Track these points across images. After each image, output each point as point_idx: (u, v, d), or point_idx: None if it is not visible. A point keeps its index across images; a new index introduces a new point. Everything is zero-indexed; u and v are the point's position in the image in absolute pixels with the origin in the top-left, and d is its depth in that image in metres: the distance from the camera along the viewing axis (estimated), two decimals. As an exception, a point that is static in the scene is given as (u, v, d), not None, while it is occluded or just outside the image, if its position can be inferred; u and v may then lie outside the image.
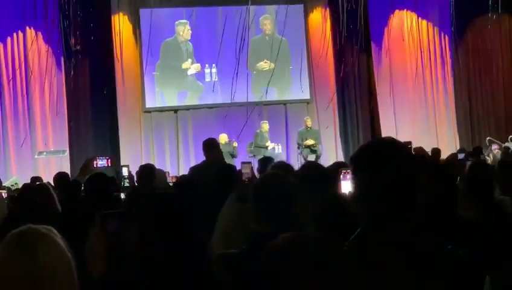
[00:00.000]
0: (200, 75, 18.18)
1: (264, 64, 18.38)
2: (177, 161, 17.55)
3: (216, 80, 18.04)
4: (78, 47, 16.56)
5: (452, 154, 12.68)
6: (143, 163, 14.45)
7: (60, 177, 8.16)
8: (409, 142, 13.78)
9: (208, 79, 18.08)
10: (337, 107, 18.77)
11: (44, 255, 2.00)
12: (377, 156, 2.10)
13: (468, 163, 7.62)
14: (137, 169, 8.52)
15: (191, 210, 2.74)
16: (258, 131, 16.89)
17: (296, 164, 15.85)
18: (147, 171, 7.79)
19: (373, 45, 18.84)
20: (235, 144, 16.40)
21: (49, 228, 2.10)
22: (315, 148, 16.87)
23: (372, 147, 2.20)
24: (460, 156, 11.69)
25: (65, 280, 2.02)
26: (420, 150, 12.22)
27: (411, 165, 2.08)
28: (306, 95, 18.79)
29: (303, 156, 16.86)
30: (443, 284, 2.02)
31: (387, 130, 17.93)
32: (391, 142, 2.18)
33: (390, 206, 2.03)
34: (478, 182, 4.92)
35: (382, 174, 2.04)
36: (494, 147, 15.52)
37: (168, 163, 17.16)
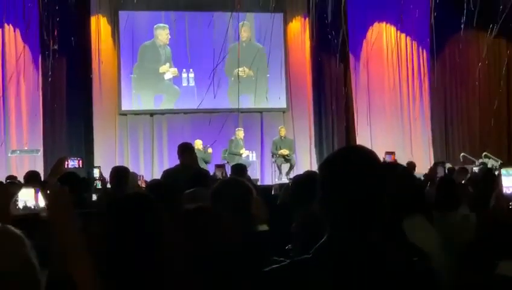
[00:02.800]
0: (177, 80, 18.21)
1: (242, 72, 18.27)
2: (152, 165, 17.56)
3: (193, 84, 18.11)
4: (56, 46, 16.53)
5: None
6: (117, 165, 14.68)
7: (30, 175, 8.15)
8: (393, 153, 14.04)
9: (184, 84, 18.14)
10: (313, 117, 18.83)
11: None
12: (344, 163, 2.06)
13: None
14: (110, 171, 8.49)
15: (154, 211, 2.80)
16: (233, 138, 16.83)
17: (270, 172, 16.79)
18: (121, 173, 7.71)
19: (351, 56, 18.91)
20: (210, 150, 16.42)
21: (5, 226, 2.01)
22: (289, 158, 16.83)
23: (340, 154, 2.15)
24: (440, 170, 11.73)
25: (17, 280, 1.88)
26: (410, 165, 12.33)
27: (378, 174, 2.05)
28: (282, 104, 18.82)
29: (277, 165, 16.94)
30: None
31: (362, 141, 17.93)
32: (359, 149, 2.14)
33: (351, 215, 1.99)
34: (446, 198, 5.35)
35: (348, 181, 2.00)
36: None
37: (142, 166, 17.17)
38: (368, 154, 2.09)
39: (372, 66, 19.05)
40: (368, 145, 14.97)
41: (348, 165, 2.04)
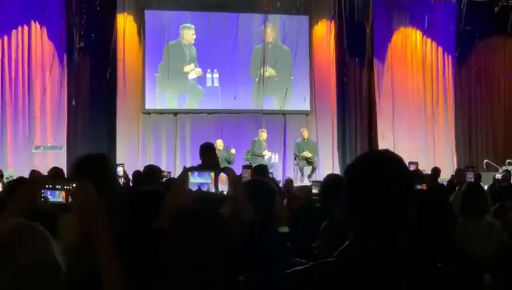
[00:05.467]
0: (201, 80, 18.16)
1: (266, 73, 18.24)
2: (174, 164, 17.38)
3: (217, 85, 18.07)
4: (81, 44, 16.61)
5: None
6: (139, 163, 15.33)
7: (55, 172, 8.04)
8: (416, 163, 13.88)
9: (209, 84, 18.09)
10: (337, 120, 18.76)
11: (23, 251, 1.89)
12: (370, 168, 2.01)
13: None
14: (133, 169, 8.61)
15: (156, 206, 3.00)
16: (255, 139, 16.72)
17: (292, 174, 16.37)
18: (151, 172, 7.74)
19: (376, 60, 18.85)
20: (233, 151, 16.26)
21: (34, 223, 2.01)
22: (311, 160, 16.76)
23: (367, 158, 2.11)
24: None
25: (42, 278, 1.89)
26: (435, 170, 12.28)
27: (404, 179, 2.00)
28: (306, 106, 18.80)
29: (299, 167, 16.86)
30: None
31: (384, 145, 17.71)
32: (386, 154, 2.09)
33: (379, 220, 1.95)
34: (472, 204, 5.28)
35: (374, 186, 1.96)
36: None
37: (164, 165, 16.65)
38: (392, 159, 2.04)
39: (396, 70, 18.97)
40: (391, 150, 15.49)
41: (370, 170, 2.00)
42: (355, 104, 18.99)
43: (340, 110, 18.90)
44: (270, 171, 11.91)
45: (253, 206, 3.43)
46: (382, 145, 17.97)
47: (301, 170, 16.75)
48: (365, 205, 1.94)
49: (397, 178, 1.98)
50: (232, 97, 17.71)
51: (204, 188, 3.46)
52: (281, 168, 17.88)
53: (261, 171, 8.69)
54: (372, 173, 1.99)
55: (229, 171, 3.48)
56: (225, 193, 3.44)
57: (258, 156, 16.37)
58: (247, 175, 7.74)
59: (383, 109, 18.80)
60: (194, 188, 3.44)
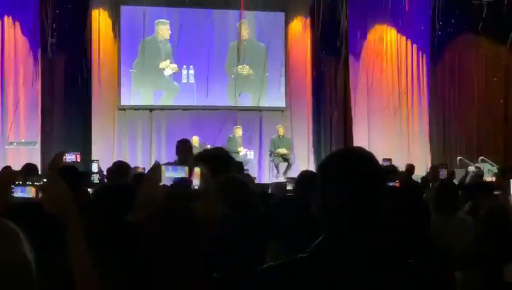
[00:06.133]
0: (177, 76, 18.08)
1: (241, 70, 18.25)
2: (149, 160, 17.18)
3: (193, 81, 18.00)
4: (55, 39, 16.51)
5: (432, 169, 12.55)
6: (114, 160, 13.89)
7: (28, 168, 8.00)
8: (389, 159, 13.84)
9: (184, 80, 18.01)
10: (312, 117, 18.75)
11: None
12: (344, 165, 2.03)
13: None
14: (108, 166, 8.58)
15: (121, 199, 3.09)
16: (231, 136, 16.74)
17: (267, 171, 16.75)
18: (121, 167, 7.82)
19: (351, 57, 18.80)
20: (208, 147, 14.88)
21: (4, 220, 1.89)
22: (287, 157, 16.77)
23: (340, 155, 2.12)
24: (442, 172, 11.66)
25: (12, 278, 1.77)
26: (409, 167, 12.37)
27: (377, 176, 2.02)
28: (281, 103, 18.75)
29: (275, 164, 16.90)
30: None
31: (360, 142, 17.83)
32: (359, 151, 2.11)
33: (353, 216, 1.96)
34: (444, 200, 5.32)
35: (348, 182, 1.97)
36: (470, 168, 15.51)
37: (140, 162, 16.83)
38: (365, 156, 2.06)
39: (371, 67, 18.93)
40: (366, 147, 15.52)
41: (343, 166, 2.01)
42: (331, 101, 18.97)
43: (315, 107, 18.88)
44: (245, 168, 12.01)
45: (228, 203, 3.47)
46: (357, 143, 18.02)
47: (277, 167, 16.80)
48: (338, 201, 1.96)
49: (370, 175, 1.99)
50: (208, 94, 17.82)
51: (180, 182, 3.46)
52: (257, 164, 17.83)
53: (236, 167, 8.75)
54: (345, 169, 2.00)
55: (202, 166, 3.48)
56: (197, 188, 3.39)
57: (234, 152, 15.92)
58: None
59: (358, 106, 18.82)
60: (169, 182, 3.46)
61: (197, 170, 3.61)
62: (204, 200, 3.44)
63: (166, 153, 16.88)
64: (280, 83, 18.64)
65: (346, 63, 18.75)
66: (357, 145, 16.66)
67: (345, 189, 1.96)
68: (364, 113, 18.81)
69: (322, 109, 18.97)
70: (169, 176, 3.60)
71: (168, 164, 3.48)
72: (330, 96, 18.89)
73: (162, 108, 18.03)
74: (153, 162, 14.25)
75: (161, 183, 3.47)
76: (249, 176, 10.20)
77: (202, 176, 3.53)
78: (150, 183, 3.22)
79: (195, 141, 15.72)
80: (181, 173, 3.61)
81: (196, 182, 3.61)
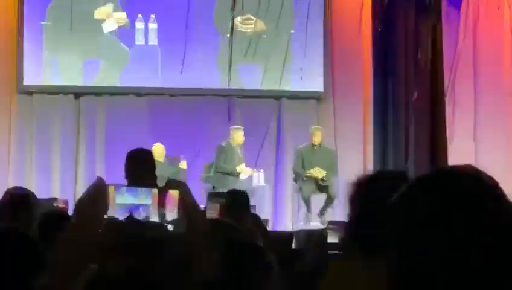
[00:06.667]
0: (126, 34, 15.34)
1: (244, 24, 15.31)
2: (75, 179, 15.04)
3: (155, 43, 15.20)
4: None
5: None
6: (11, 178, 14.84)
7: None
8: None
9: (139, 41, 15.25)
10: (373, 112, 15.68)
11: None
12: (444, 202, 1.59)
13: None
14: (1, 187, 8.05)
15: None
16: (223, 144, 14.18)
17: (290, 208, 15.12)
18: (18, 201, 6.37)
19: (447, 9, 15.66)
20: (183, 164, 14.13)
21: None
22: (326, 184, 14.02)
23: (426, 186, 1.63)
24: None
25: None
26: None
27: (500, 231, 1.57)
28: (317, 85, 15.55)
29: (303, 196, 14.12)
30: None
31: (460, 156, 14.75)
32: (469, 173, 1.61)
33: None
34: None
35: (453, 235, 1.56)
36: None
37: (57, 184, 14.74)
38: (480, 185, 1.62)
39: (483, 26, 15.65)
40: (471, 160, 14.50)
41: (439, 206, 1.59)
42: (407, 81, 15.66)
43: (378, 94, 15.72)
44: (251, 204, 9.55)
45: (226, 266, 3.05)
46: (456, 156, 15.04)
47: (306, 201, 14.10)
48: (435, 268, 1.60)
49: (489, 224, 1.58)
50: (180, 64, 15.03)
51: (140, 214, 3.40)
52: (271, 197, 15.06)
53: (238, 205, 7.51)
54: (442, 212, 1.59)
55: (180, 189, 3.18)
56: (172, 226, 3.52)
57: (228, 174, 14.18)
58: (214, 212, 7.35)
59: (457, 88, 15.59)
60: (123, 214, 3.35)
61: (173, 193, 3.37)
62: (189, 247, 2.99)
63: (104, 168, 14.79)
64: (315, 48, 15.54)
65: (438, 17, 15.63)
66: (456, 157, 14.97)
67: (448, 248, 1.58)
68: (468, 99, 15.72)
69: (389, 96, 15.84)
70: (123, 202, 3.48)
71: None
72: (405, 73, 15.61)
73: (98, 91, 15.38)
74: (80, 185, 15.03)
75: (107, 216, 3.02)
76: (257, 219, 8.45)
77: (184, 204, 2.99)
78: (83, 218, 2.84)
79: (157, 151, 13.46)
80: (144, 198, 3.52)
81: (171, 215, 3.46)
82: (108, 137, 15.12)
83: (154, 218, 3.28)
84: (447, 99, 15.83)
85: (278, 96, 15.74)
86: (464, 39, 15.92)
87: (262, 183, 14.58)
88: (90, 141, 15.30)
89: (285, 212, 15.43)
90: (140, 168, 7.03)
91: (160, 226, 3.27)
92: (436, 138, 15.96)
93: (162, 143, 13.98)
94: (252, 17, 15.34)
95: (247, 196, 8.56)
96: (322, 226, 12.56)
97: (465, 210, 1.55)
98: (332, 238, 9.09)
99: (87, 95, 15.42)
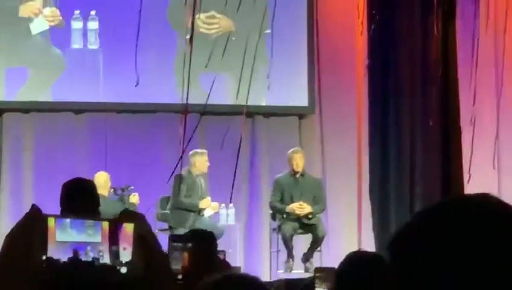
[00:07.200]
0: (59, 35, 14.53)
1: (206, 23, 14.81)
2: None
3: (95, 47, 14.50)
4: None
5: None
6: None
7: None
8: None
9: (76, 44, 14.53)
10: (369, 130, 15.09)
11: None
12: (454, 242, 1.53)
13: None
14: None
15: None
16: (182, 173, 13.53)
17: (268, 253, 14.52)
18: None
19: (461, 6, 15.30)
20: (135, 198, 13.38)
21: None
22: (311, 222, 13.35)
23: (444, 217, 1.56)
24: None
25: None
26: None
27: None
28: (299, 98, 15.16)
29: (283, 237, 13.54)
30: None
31: (479, 180, 14.32)
32: (484, 207, 1.55)
33: None
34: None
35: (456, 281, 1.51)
36: None
37: None
38: (501, 221, 1.57)
39: (507, 24, 15.20)
40: (494, 189, 14.64)
41: (454, 246, 1.54)
42: (413, 88, 15.18)
43: (376, 109, 15.22)
44: (219, 249, 9.46)
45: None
46: (476, 181, 14.46)
47: (287, 245, 13.44)
48: None
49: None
50: (129, 73, 13.95)
51: (87, 254, 3.38)
52: (243, 239, 14.63)
53: (205, 248, 7.40)
54: (458, 252, 1.53)
55: (135, 222, 3.42)
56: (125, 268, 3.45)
57: (190, 211, 13.62)
58: (178, 262, 6.68)
59: (479, 103, 14.87)
60: (66, 254, 3.37)
61: (127, 227, 3.40)
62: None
63: (33, 197, 13.60)
64: (297, 51, 15.19)
65: (450, 13, 15.20)
66: (475, 185, 14.40)
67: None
68: (489, 108, 15.43)
69: (391, 109, 15.29)
70: (66, 239, 3.36)
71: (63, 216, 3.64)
72: (412, 77, 15.13)
73: (24, 106, 14.68)
74: (4, 219, 14.57)
75: (45, 257, 3.24)
76: (226, 268, 8.35)
77: (141, 242, 3.27)
78: (15, 257, 3.12)
79: (101, 181, 12.88)
80: (92, 234, 3.40)
81: (126, 255, 3.38)
82: (38, 164, 14.40)
83: (105, 259, 3.14)
84: (461, 111, 15.38)
85: (250, 113, 14.85)
86: (483, 45, 15.40)
87: (232, 221, 14.11)
88: (16, 168, 14.53)
89: (260, 257, 14.80)
90: (79, 203, 6.10)
91: (113, 269, 3.14)
92: (449, 155, 15.45)
93: (106, 171, 13.36)
94: (217, 15, 14.84)
95: (214, 237, 8.16)
96: (307, 275, 11.88)
97: (491, 242, 1.46)
98: (319, 289, 8.44)
99: (10, 112, 14.64)
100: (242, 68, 14.64)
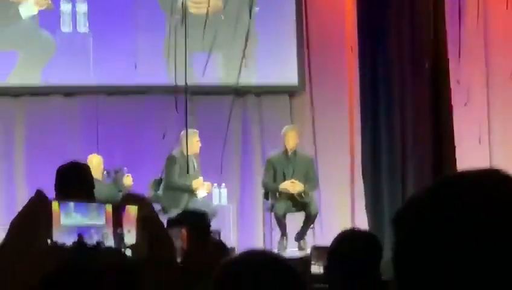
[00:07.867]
0: (49, 19, 14.63)
1: (197, 2, 14.83)
2: None
3: (85, 31, 14.53)
4: None
5: None
6: None
7: None
8: None
9: (66, 28, 14.55)
10: (360, 106, 14.60)
11: None
12: (452, 219, 1.52)
13: None
14: None
15: None
16: (174, 154, 13.65)
17: (260, 231, 14.66)
18: None
19: None
20: (129, 180, 13.49)
21: None
22: (304, 200, 13.39)
23: (442, 196, 1.57)
24: None
25: None
26: None
27: None
28: (289, 76, 15.11)
29: (276, 215, 13.55)
30: None
31: (472, 156, 14.38)
32: (498, 180, 1.55)
33: None
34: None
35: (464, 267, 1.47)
36: None
37: None
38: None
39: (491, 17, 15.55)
40: (485, 162, 15.07)
41: (452, 223, 1.53)
42: (403, 64, 14.50)
43: (367, 85, 14.54)
44: (213, 228, 9.02)
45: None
46: (468, 159, 14.34)
47: (280, 223, 13.51)
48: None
49: None
50: (119, 56, 14.45)
51: (91, 237, 3.42)
52: (236, 219, 14.59)
53: (200, 229, 7.08)
54: (456, 230, 1.53)
55: (139, 204, 3.50)
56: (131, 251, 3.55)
57: (182, 189, 13.72)
58: (176, 241, 5.75)
59: (465, 71, 15.10)
60: (70, 238, 3.43)
61: (131, 209, 3.47)
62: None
63: (27, 187, 13.55)
64: (286, 29, 15.25)
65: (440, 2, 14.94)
66: (465, 160, 14.29)
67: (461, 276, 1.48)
68: (480, 92, 15.31)
69: (381, 85, 14.55)
70: (70, 223, 3.42)
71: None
72: (400, 52, 14.56)
73: (14, 92, 14.74)
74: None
75: (50, 241, 3.35)
76: (221, 248, 7.80)
77: (147, 223, 3.37)
78: (20, 242, 3.22)
79: (94, 164, 12.78)
80: (96, 217, 3.45)
81: (130, 237, 3.46)
82: (29, 148, 14.52)
83: (110, 242, 3.18)
84: (453, 94, 14.91)
85: (241, 92, 15.09)
86: (471, 31, 15.53)
87: (224, 201, 14.29)
88: (7, 153, 14.65)
89: (254, 237, 14.84)
90: (74, 187, 6.42)
91: (118, 252, 3.14)
92: (441, 133, 14.81)
93: (99, 154, 13.46)
94: (205, -4, 15.64)
95: (208, 218, 7.92)
96: (300, 253, 12.47)
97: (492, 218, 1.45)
98: (315, 268, 8.93)
99: (1, 96, 14.78)
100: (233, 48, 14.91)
